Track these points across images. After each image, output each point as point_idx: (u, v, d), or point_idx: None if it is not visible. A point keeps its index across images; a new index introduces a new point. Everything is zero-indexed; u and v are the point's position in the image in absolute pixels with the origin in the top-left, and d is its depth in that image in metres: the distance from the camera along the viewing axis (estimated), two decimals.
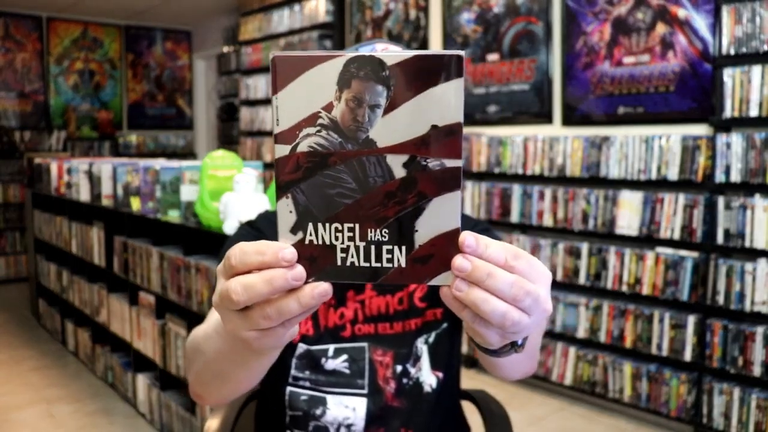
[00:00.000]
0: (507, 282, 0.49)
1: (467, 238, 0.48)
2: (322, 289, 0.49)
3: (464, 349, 3.51)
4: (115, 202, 3.09)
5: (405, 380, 1.05)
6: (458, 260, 0.48)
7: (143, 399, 3.02)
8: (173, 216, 2.53)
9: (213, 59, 7.22)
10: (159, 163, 2.92)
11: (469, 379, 3.40)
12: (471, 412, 1.25)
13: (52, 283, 4.21)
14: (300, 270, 0.48)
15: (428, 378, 1.06)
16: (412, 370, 1.05)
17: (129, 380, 3.15)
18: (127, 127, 7.14)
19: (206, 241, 2.45)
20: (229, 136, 6.68)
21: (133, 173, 2.88)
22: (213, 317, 0.82)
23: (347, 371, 1.03)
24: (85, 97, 6.85)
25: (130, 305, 2.99)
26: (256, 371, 0.73)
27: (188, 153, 7.34)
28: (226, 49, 6.61)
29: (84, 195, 3.50)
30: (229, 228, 2.02)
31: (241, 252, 0.49)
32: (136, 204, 2.84)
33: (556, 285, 3.26)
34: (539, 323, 0.53)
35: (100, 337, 3.51)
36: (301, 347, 1.04)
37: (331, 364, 1.03)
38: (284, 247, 0.48)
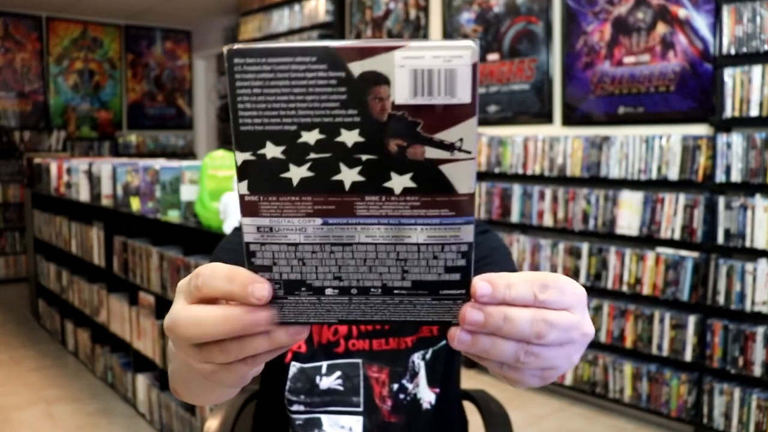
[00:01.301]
0: (526, 320, 0.41)
1: (479, 286, 0.41)
2: (299, 328, 0.43)
3: None
4: (114, 202, 3.09)
5: (402, 396, 1.02)
6: (469, 311, 0.41)
7: (143, 399, 3.02)
8: (173, 216, 2.53)
9: (213, 59, 7.22)
10: (159, 163, 2.91)
11: (469, 379, 3.40)
12: (471, 412, 1.25)
13: (52, 283, 4.21)
14: (268, 315, 0.41)
15: (426, 395, 1.03)
16: (410, 386, 1.02)
17: (129, 380, 3.15)
18: (126, 127, 7.14)
19: (206, 241, 2.45)
20: (229, 136, 6.68)
21: (133, 173, 2.87)
22: None
23: (341, 388, 1.00)
24: (85, 97, 6.85)
25: (130, 305, 2.99)
26: (224, 393, 0.66)
27: (188, 153, 7.33)
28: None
29: (84, 195, 3.50)
30: (229, 228, 2.01)
31: (212, 273, 0.42)
32: (135, 204, 2.83)
33: None
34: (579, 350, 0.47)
35: (100, 337, 3.51)
36: (294, 366, 1.01)
37: (325, 383, 1.00)
38: (258, 281, 0.41)
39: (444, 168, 0.39)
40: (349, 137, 0.38)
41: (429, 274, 0.42)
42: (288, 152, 0.39)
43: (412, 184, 0.39)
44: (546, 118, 3.45)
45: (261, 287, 0.41)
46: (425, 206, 0.40)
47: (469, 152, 0.38)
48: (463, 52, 0.37)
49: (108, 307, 3.28)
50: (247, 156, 0.39)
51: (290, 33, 5.07)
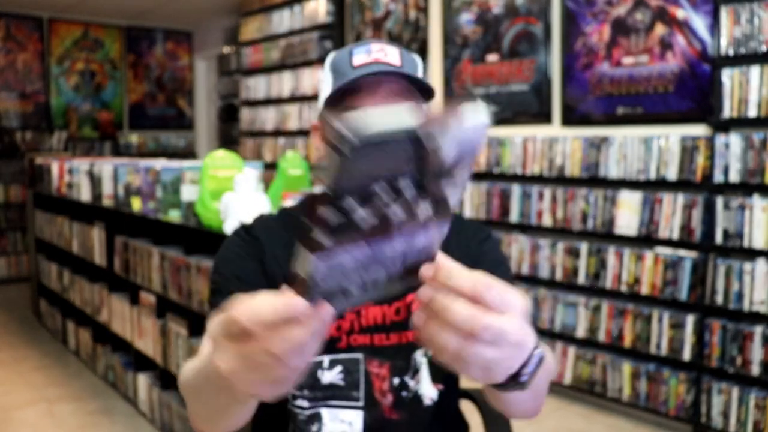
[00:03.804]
0: (462, 315, 0.49)
1: (424, 269, 0.51)
2: (329, 310, 0.51)
3: None
4: (116, 202, 3.10)
5: (404, 393, 1.02)
6: (421, 290, 0.50)
7: (144, 398, 3.03)
8: (174, 216, 2.55)
9: (213, 60, 7.24)
10: (160, 163, 2.93)
11: (469, 379, 3.41)
12: (471, 412, 1.26)
13: (53, 282, 4.22)
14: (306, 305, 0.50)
15: (428, 391, 1.03)
16: (411, 383, 1.02)
17: (130, 380, 3.16)
18: (128, 127, 7.15)
19: (207, 241, 2.46)
20: (229, 137, 6.69)
21: (134, 173, 2.89)
22: (195, 362, 0.83)
23: (342, 383, 1.00)
24: (86, 98, 6.87)
25: (131, 305, 3.00)
26: (241, 417, 0.74)
27: (189, 153, 7.34)
28: (226, 49, 6.62)
29: (85, 195, 3.51)
30: (230, 228, 2.03)
31: (254, 313, 0.50)
32: (136, 204, 2.85)
33: (555, 285, 3.28)
34: (534, 362, 0.55)
35: (101, 337, 3.53)
36: None
37: (327, 377, 1.00)
38: (294, 300, 0.50)
39: (448, 196, 0.52)
40: (405, 185, 0.48)
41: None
42: (361, 199, 0.48)
43: (431, 212, 0.52)
44: (545, 118, 3.47)
45: (300, 304, 0.49)
46: (433, 224, 0.52)
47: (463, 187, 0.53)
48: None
49: (109, 307, 3.30)
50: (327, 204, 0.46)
51: (291, 34, 5.09)
